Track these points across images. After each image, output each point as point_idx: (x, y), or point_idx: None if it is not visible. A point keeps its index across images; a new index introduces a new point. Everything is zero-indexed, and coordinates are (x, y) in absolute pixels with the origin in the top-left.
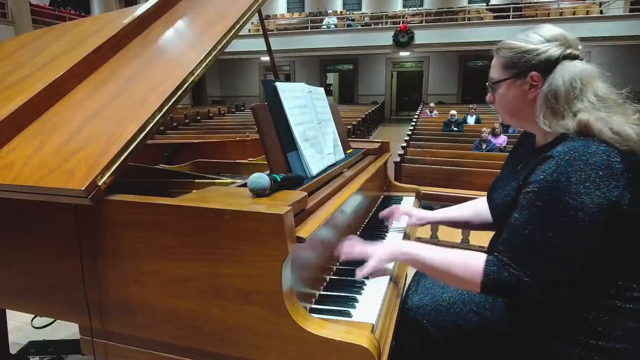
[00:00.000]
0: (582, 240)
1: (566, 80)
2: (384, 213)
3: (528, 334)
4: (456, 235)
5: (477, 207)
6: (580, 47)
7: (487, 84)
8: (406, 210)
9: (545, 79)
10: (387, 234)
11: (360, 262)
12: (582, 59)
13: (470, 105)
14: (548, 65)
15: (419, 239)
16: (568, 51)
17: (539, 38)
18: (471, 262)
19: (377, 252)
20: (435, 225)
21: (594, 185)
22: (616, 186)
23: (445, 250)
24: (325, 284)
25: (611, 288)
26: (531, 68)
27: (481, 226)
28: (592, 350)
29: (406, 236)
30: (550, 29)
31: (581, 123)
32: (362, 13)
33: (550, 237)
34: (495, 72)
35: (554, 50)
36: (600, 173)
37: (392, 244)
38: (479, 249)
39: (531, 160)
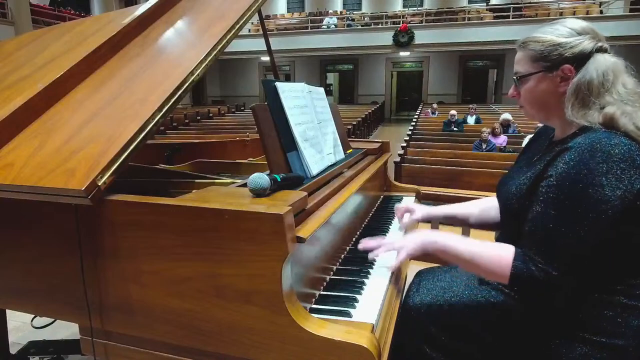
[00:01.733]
0: (606, 231)
1: (600, 72)
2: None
3: (529, 333)
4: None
5: (480, 205)
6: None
7: (513, 77)
8: (407, 207)
9: (577, 71)
10: (387, 234)
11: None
12: (610, 53)
13: (470, 105)
14: (581, 58)
15: None
16: (600, 44)
17: (569, 31)
18: (501, 255)
19: (407, 244)
20: (435, 224)
21: (616, 177)
22: (638, 179)
23: (474, 241)
24: (325, 283)
25: (617, 284)
26: (564, 61)
27: (481, 225)
28: (595, 347)
29: (406, 233)
30: (577, 22)
31: (607, 116)
32: (362, 13)
33: (575, 231)
34: (522, 66)
35: (587, 44)
36: (622, 165)
37: (421, 235)
38: None
39: (548, 151)
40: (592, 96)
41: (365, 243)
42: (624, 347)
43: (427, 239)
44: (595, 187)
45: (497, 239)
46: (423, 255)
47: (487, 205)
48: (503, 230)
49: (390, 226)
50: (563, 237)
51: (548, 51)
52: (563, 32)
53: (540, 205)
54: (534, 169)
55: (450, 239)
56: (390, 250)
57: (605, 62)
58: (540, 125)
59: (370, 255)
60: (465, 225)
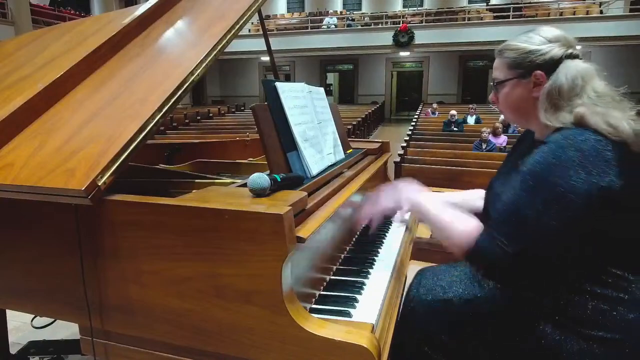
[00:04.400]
0: (570, 221)
1: (569, 78)
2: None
3: (529, 332)
4: None
5: (464, 195)
6: (578, 47)
7: (491, 84)
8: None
9: (548, 77)
10: (387, 234)
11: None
12: (581, 59)
13: (470, 105)
14: (552, 65)
15: (419, 239)
16: (569, 51)
17: (541, 39)
18: (467, 228)
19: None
20: None
21: (585, 170)
22: (606, 172)
23: (448, 210)
24: (325, 283)
25: (608, 278)
26: (535, 67)
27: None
28: (593, 342)
29: (407, 232)
30: (550, 30)
31: (578, 115)
32: (362, 13)
33: (539, 215)
34: (499, 73)
35: (557, 50)
36: (591, 159)
37: (409, 192)
38: None
39: (529, 152)
40: (563, 100)
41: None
42: (621, 342)
43: (413, 198)
44: (564, 178)
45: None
46: (422, 255)
47: (472, 196)
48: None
49: (390, 226)
50: (526, 220)
51: (521, 58)
52: (535, 41)
53: (511, 190)
54: (517, 170)
55: (427, 204)
56: (382, 212)
57: (575, 68)
58: None
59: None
60: None
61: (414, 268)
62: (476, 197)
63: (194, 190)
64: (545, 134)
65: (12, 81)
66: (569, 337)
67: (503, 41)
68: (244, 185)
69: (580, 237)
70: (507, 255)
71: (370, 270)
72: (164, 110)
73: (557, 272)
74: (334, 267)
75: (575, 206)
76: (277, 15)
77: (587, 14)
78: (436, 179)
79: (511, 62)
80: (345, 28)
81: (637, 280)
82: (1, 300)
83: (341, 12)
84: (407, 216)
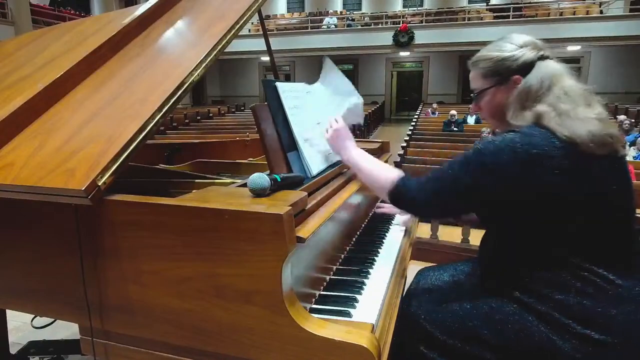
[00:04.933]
0: (476, 193)
1: (539, 78)
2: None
3: (528, 332)
4: (456, 235)
5: None
6: (549, 49)
7: (471, 95)
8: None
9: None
10: (387, 234)
11: (362, 262)
12: (552, 59)
13: (470, 105)
14: (526, 68)
15: (419, 239)
16: (540, 53)
17: (512, 46)
18: (389, 176)
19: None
20: (435, 225)
21: (520, 157)
22: (549, 167)
23: (374, 161)
24: (325, 283)
25: (587, 274)
26: (512, 72)
27: (469, 221)
28: (580, 338)
29: (407, 232)
30: (519, 37)
31: (536, 114)
32: (362, 13)
33: (450, 177)
34: (477, 83)
35: (529, 54)
36: (534, 151)
37: (346, 143)
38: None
39: None
40: (529, 100)
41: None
42: (612, 341)
43: (348, 148)
44: (495, 156)
45: (483, 238)
46: (422, 255)
47: None
48: (486, 233)
49: (390, 226)
50: (443, 177)
51: (497, 66)
52: (507, 48)
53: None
54: None
55: (359, 157)
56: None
57: (545, 69)
58: None
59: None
60: (458, 220)
61: (414, 268)
62: None
63: (194, 190)
64: None
65: (12, 81)
66: (562, 336)
67: None
68: (244, 185)
69: (557, 234)
70: (422, 189)
71: (370, 270)
72: (164, 110)
73: (535, 267)
74: (334, 267)
75: (489, 187)
76: (277, 15)
77: (587, 14)
78: None
79: (487, 72)
80: (345, 28)
81: (618, 277)
82: (1, 300)
83: (341, 12)
84: (407, 217)
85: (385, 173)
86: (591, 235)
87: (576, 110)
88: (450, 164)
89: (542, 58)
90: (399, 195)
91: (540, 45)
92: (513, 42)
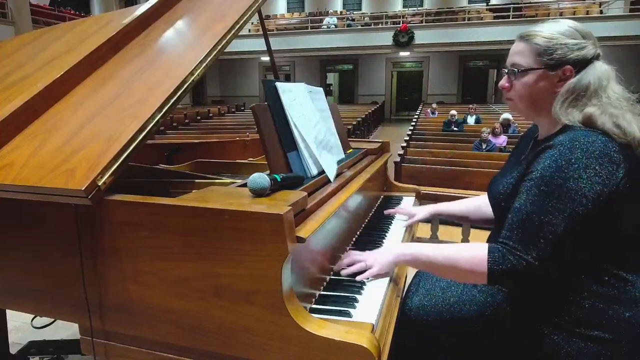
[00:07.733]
0: (580, 223)
1: (596, 78)
2: (390, 211)
3: (528, 331)
4: (456, 234)
5: (478, 201)
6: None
7: (505, 69)
8: (408, 211)
9: (576, 74)
10: (387, 234)
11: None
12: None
13: (470, 105)
14: (582, 62)
15: (419, 239)
16: (598, 51)
17: (573, 32)
18: (475, 254)
19: (378, 260)
20: (435, 225)
21: (594, 171)
22: (614, 174)
23: (447, 246)
24: (325, 283)
25: (605, 276)
26: (566, 62)
27: (479, 221)
28: (590, 341)
29: (407, 234)
30: (578, 24)
31: (586, 115)
32: (362, 13)
33: (554, 220)
34: (523, 59)
35: (590, 49)
36: (600, 161)
37: (393, 249)
38: None
39: (532, 150)
40: (584, 99)
41: (339, 263)
42: (618, 341)
43: (400, 252)
44: (574, 180)
45: (490, 236)
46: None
47: (484, 201)
48: (496, 227)
49: (390, 226)
50: (542, 226)
51: (553, 49)
52: (568, 33)
53: (522, 197)
54: (519, 167)
55: (422, 248)
56: (362, 269)
57: (601, 69)
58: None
59: (343, 272)
60: (465, 221)
61: (413, 269)
62: (487, 202)
63: (194, 190)
64: (552, 131)
65: (12, 81)
66: (566, 337)
67: (503, 41)
68: (244, 185)
69: (581, 236)
70: (528, 262)
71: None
72: (164, 110)
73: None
74: (334, 267)
75: (585, 208)
76: (277, 15)
77: (587, 14)
78: (436, 179)
79: (541, 50)
80: (345, 28)
81: (634, 279)
82: (1, 300)
83: (341, 12)
84: (409, 222)
85: (465, 251)
86: (629, 240)
87: (625, 115)
88: (527, 203)
89: (598, 57)
90: (505, 270)
91: (596, 42)
92: (578, 30)
